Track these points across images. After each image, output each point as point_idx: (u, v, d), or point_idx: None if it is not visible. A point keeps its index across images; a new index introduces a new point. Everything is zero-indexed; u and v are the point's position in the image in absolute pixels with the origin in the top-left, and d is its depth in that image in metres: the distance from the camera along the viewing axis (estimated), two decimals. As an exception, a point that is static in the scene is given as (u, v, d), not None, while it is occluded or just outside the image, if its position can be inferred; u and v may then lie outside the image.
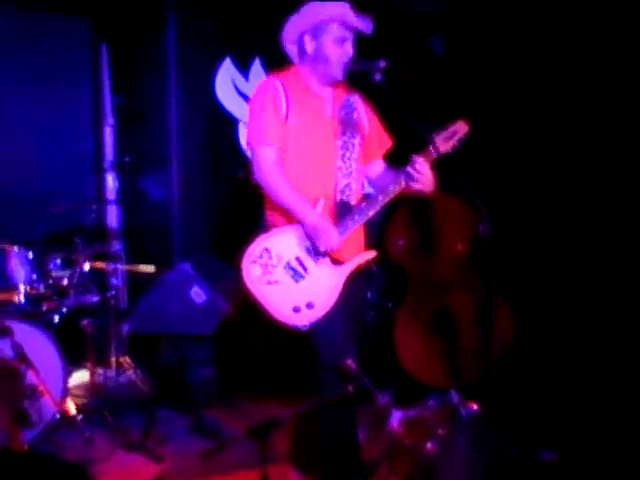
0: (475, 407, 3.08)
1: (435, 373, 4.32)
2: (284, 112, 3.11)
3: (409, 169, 3.04)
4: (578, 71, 4.39)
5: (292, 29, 3.18)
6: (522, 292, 4.46)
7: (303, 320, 3.01)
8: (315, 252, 3.05)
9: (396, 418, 3.18)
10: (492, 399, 3.11)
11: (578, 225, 4.43)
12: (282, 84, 3.14)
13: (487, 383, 2.98)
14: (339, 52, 3.10)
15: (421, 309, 4.46)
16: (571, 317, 4.40)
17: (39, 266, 4.40)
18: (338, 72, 3.12)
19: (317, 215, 3.04)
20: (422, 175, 3.03)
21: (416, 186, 3.06)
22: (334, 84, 3.22)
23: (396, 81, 2.95)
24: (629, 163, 4.22)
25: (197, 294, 4.48)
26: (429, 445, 3.04)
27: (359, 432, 3.25)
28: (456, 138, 3.11)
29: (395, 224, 4.53)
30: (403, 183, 3.07)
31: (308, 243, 3.06)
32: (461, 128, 3.12)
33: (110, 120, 5.87)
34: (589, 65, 4.34)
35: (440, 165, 3.08)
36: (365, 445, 3.32)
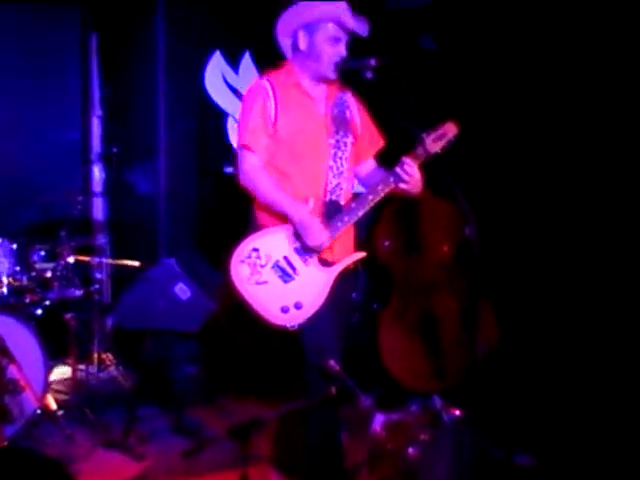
0: (458, 412, 3.08)
1: (418, 376, 4.32)
2: (273, 114, 3.10)
3: (398, 170, 3.04)
4: (570, 67, 4.36)
5: (287, 23, 3.17)
6: (507, 296, 4.45)
7: (291, 320, 3.00)
8: (304, 252, 3.04)
9: (379, 422, 3.17)
10: (475, 403, 3.10)
11: (567, 228, 4.42)
12: (271, 84, 3.13)
13: (470, 386, 2.97)
14: (332, 51, 3.09)
15: (406, 311, 4.45)
16: (556, 320, 4.40)
17: (23, 258, 4.37)
18: (329, 71, 3.12)
19: (305, 211, 3.03)
20: (411, 176, 3.04)
21: (404, 187, 3.06)
22: (327, 82, 3.20)
23: (388, 79, 2.93)
24: (620, 161, 4.20)
25: (182, 290, 4.46)
26: (411, 450, 3.02)
27: (342, 435, 3.23)
28: (445, 139, 3.11)
29: (382, 225, 4.53)
30: (392, 183, 3.06)
31: (297, 244, 3.05)
32: (450, 130, 3.13)
33: (98, 111, 5.82)
34: (582, 61, 4.30)
35: (429, 166, 3.07)
36: (347, 448, 3.30)
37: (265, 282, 3.01)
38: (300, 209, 3.03)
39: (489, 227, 3.09)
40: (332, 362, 2.91)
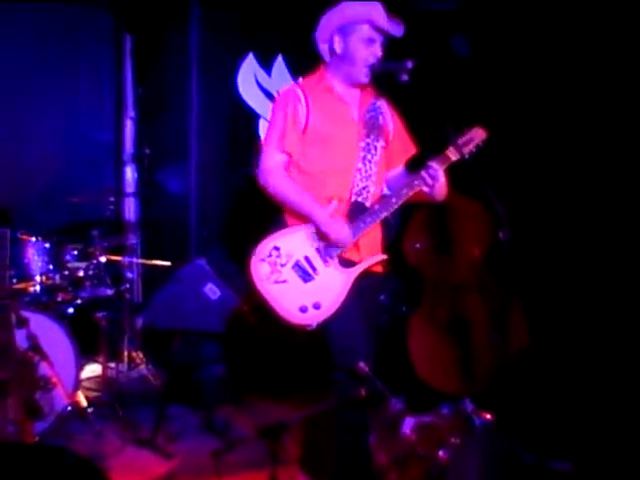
0: (489, 416, 3.05)
1: (448, 378, 4.30)
2: (304, 119, 3.12)
3: (423, 174, 3.05)
4: (607, 69, 4.30)
5: (324, 28, 3.18)
6: (539, 297, 4.41)
7: (309, 320, 3.01)
8: (325, 252, 3.05)
9: (409, 425, 3.15)
10: (506, 407, 3.07)
11: (601, 232, 4.36)
12: (303, 91, 3.15)
13: (500, 390, 2.94)
14: (366, 53, 3.09)
15: (436, 313, 4.44)
16: (587, 323, 4.34)
17: (56, 257, 4.42)
18: (363, 75, 3.12)
19: (325, 211, 3.03)
20: (435, 180, 3.04)
21: (428, 191, 3.06)
22: (362, 87, 3.20)
23: (422, 82, 2.93)
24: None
25: (211, 291, 4.48)
26: (441, 453, 3.00)
27: (370, 437, 3.22)
28: (473, 144, 3.12)
29: (413, 227, 4.52)
30: (417, 187, 3.07)
31: (319, 243, 3.06)
32: (478, 134, 3.14)
33: (131, 112, 5.86)
34: (619, 61, 4.24)
35: (462, 168, 3.06)
36: (375, 450, 3.29)
37: (284, 281, 3.02)
38: (320, 208, 3.03)
39: (520, 229, 3.06)
40: (361, 364, 2.90)
